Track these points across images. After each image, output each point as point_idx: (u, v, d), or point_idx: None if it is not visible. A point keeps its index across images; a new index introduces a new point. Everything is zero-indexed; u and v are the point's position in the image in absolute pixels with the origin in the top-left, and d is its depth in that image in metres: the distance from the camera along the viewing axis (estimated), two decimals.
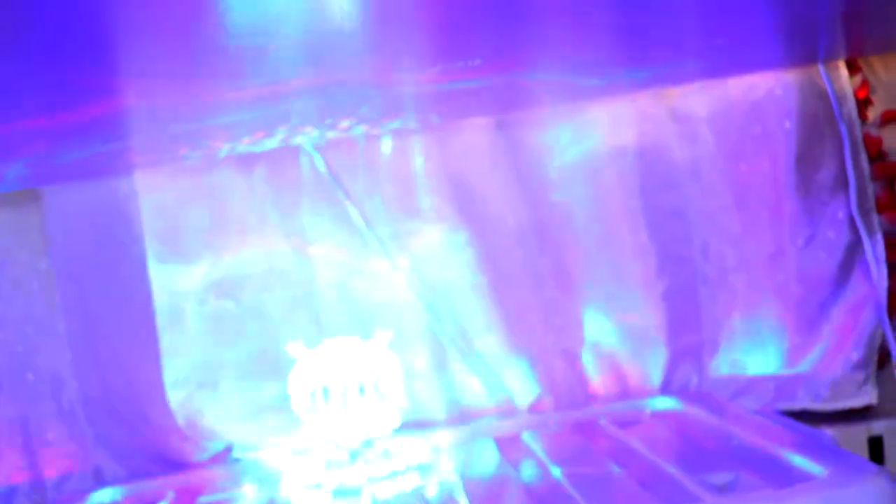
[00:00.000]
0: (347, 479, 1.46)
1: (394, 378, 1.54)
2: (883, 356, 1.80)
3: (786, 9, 1.36)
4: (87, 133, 1.32)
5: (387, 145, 1.74)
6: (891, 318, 1.79)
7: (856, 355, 1.79)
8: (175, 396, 1.73)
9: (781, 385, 1.81)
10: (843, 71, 1.77)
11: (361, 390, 1.50)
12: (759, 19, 1.39)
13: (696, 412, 1.62)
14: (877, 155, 1.80)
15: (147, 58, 1.03)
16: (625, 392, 1.80)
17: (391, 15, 1.02)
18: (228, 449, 1.74)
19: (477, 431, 1.71)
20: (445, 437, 1.68)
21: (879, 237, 1.78)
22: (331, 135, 1.65)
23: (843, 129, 1.76)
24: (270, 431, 1.72)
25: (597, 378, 1.80)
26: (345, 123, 1.58)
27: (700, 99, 1.77)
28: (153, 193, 1.72)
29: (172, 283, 1.73)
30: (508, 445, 1.60)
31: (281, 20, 0.95)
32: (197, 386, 1.73)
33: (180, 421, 1.72)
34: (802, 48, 1.64)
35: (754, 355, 1.81)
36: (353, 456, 1.50)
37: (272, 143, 1.63)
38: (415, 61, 1.24)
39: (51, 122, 1.22)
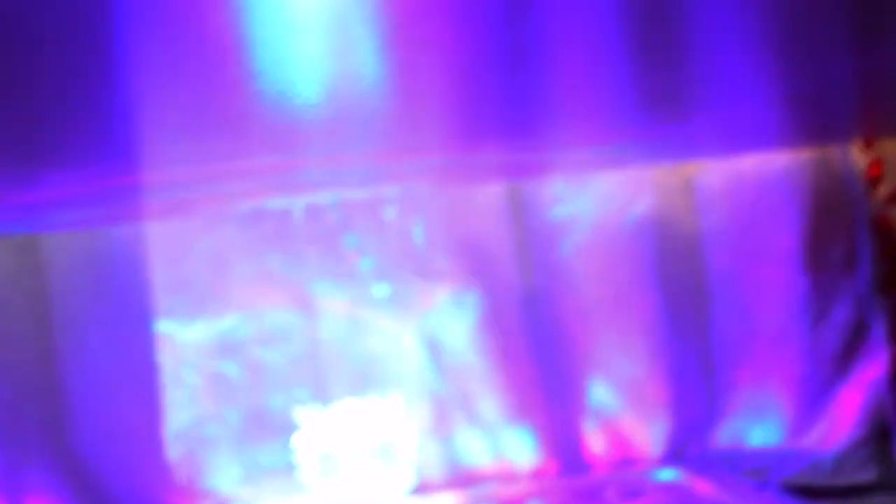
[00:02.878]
0: None
1: (405, 441, 1.52)
2: (884, 434, 1.81)
3: (804, 97, 1.37)
4: (101, 200, 1.30)
5: (400, 206, 1.73)
6: (894, 397, 1.80)
7: (859, 433, 1.79)
8: (175, 452, 1.69)
9: (784, 459, 1.81)
10: (857, 150, 1.78)
11: (370, 455, 1.48)
12: (778, 103, 1.40)
13: (700, 485, 1.61)
14: (885, 234, 1.81)
15: (172, 141, 1.01)
16: (628, 460, 1.79)
17: (415, 102, 1.01)
18: None
19: (480, 496, 1.69)
20: (449, 502, 1.66)
21: (886, 316, 1.79)
22: (343, 196, 1.63)
23: (856, 208, 1.77)
24: (270, 492, 1.69)
25: (600, 445, 1.79)
26: (357, 188, 1.56)
27: (715, 172, 1.77)
28: (160, 245, 1.69)
29: (176, 336, 1.70)
30: None
31: (306, 105, 0.94)
32: (198, 442, 1.70)
33: (179, 477, 1.69)
34: (819, 130, 1.65)
35: (758, 429, 1.81)
36: None
37: (283, 202, 1.61)
38: (434, 143, 1.24)
39: (69, 193, 1.20)
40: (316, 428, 1.50)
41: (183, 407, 1.70)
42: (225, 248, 1.71)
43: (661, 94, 1.20)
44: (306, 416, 1.51)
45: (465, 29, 0.83)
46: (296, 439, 1.52)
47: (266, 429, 1.69)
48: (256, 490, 1.70)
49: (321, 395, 1.71)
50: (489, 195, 1.74)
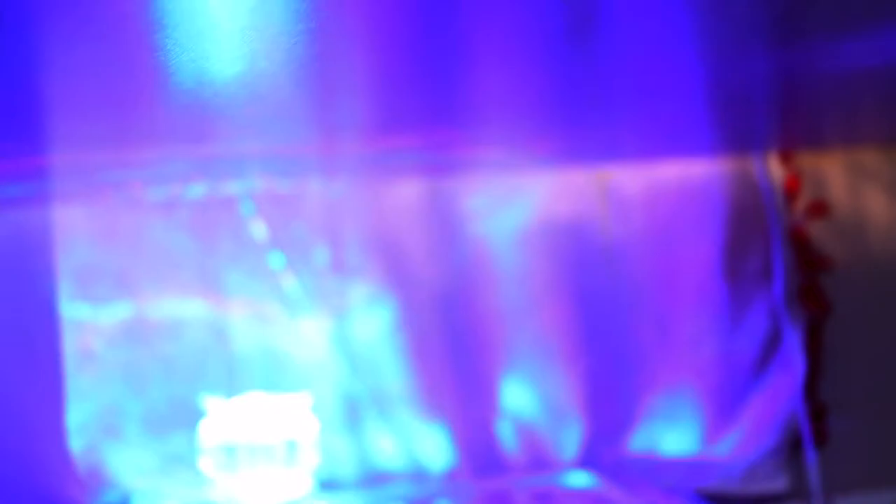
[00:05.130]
0: None
1: (310, 442, 1.49)
2: (796, 443, 1.83)
3: (724, 105, 1.38)
4: (6, 182, 1.27)
5: (317, 201, 1.71)
6: (806, 406, 1.82)
7: (771, 441, 1.80)
8: (77, 443, 1.65)
9: (696, 466, 1.81)
10: (776, 163, 1.80)
11: (274, 451, 1.45)
12: (701, 116, 1.41)
13: (611, 490, 1.61)
14: (802, 246, 1.83)
15: (79, 124, 0.99)
16: (540, 463, 1.79)
17: (331, 88, 1.00)
18: (125, 500, 1.66)
19: (389, 496, 1.67)
20: (357, 501, 1.63)
21: (800, 327, 1.81)
22: (262, 187, 1.61)
23: (773, 219, 1.79)
24: (173, 485, 1.65)
25: (513, 447, 1.78)
26: (277, 179, 1.54)
27: (634, 179, 1.78)
28: (70, 229, 1.65)
29: (83, 324, 1.66)
30: None
31: (223, 91, 0.92)
32: (102, 433, 1.66)
33: (81, 469, 1.64)
34: (738, 140, 1.67)
35: (671, 435, 1.81)
36: None
37: (201, 190, 1.59)
38: (352, 132, 1.22)
39: None
40: (221, 420, 1.47)
41: (87, 396, 1.66)
42: (138, 234, 1.68)
43: (583, 97, 1.20)
44: (213, 406, 1.48)
45: (387, 15, 0.82)
46: (201, 430, 1.49)
47: (171, 420, 1.65)
48: (159, 482, 1.66)
49: (229, 388, 1.68)
50: (409, 194, 1.73)
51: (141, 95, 0.94)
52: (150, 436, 1.67)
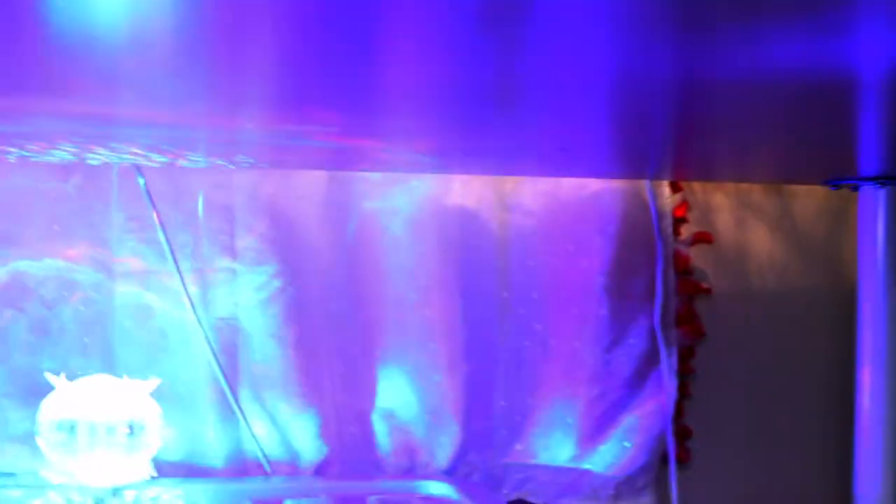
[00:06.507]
0: None
1: (151, 427, 1.45)
2: (664, 462, 1.88)
3: (624, 137, 1.42)
4: None
5: (215, 181, 1.68)
6: (674, 427, 1.87)
7: (640, 459, 1.85)
8: None
9: (567, 480, 1.85)
10: (667, 189, 1.86)
11: (111, 433, 1.40)
12: (599, 140, 1.44)
13: None
14: (683, 271, 1.89)
15: None
16: (412, 467, 1.79)
17: (238, 54, 0.98)
18: None
19: (238, 491, 1.62)
20: (202, 493, 1.59)
21: (675, 350, 1.87)
22: (156, 159, 1.57)
23: (660, 243, 1.84)
24: (18, 461, 1.58)
25: (386, 447, 1.78)
26: (170, 152, 1.50)
27: (531, 191, 1.80)
28: None
29: None
30: None
31: (109, 43, 0.88)
32: None
33: None
34: (634, 166, 1.72)
35: (544, 448, 1.84)
36: (98, 503, 1.41)
37: (92, 156, 1.54)
38: (268, 117, 1.21)
39: None
40: (64, 397, 1.42)
41: None
42: (27, 194, 1.62)
43: (492, 93, 1.19)
44: (56, 382, 1.43)
45: None
46: (42, 406, 1.44)
47: (34, 391, 1.58)
48: (5, 456, 1.59)
49: (106, 363, 1.63)
50: (310, 181, 1.71)
51: (11, 41, 0.89)
52: (3, 405, 1.60)
